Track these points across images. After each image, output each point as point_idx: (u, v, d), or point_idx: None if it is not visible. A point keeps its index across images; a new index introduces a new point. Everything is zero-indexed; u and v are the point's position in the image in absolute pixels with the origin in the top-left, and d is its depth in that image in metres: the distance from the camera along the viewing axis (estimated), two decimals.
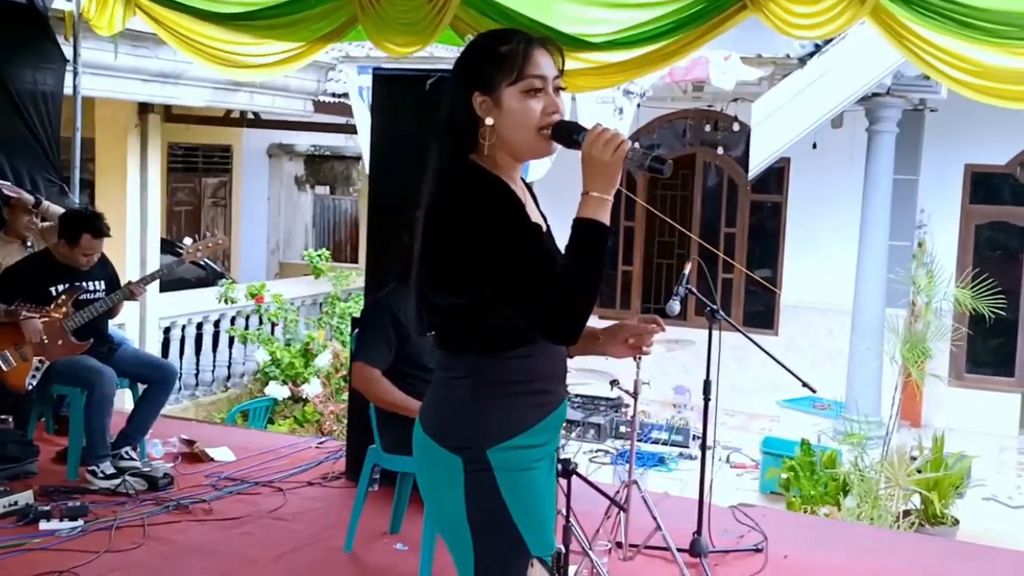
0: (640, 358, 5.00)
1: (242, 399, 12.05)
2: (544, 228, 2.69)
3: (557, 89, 2.64)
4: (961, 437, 10.57)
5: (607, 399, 11.75)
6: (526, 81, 2.58)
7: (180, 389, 11.73)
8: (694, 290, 5.23)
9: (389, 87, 6.24)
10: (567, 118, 2.66)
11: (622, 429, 11.38)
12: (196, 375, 12.24)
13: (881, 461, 8.91)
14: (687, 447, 11.20)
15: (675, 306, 5.10)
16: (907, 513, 8.58)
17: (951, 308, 10.41)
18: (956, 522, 8.70)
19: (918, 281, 10.98)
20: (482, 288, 2.54)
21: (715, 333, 5.14)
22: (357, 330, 5.22)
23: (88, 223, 6.29)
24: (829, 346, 12.60)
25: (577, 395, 11.60)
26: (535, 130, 2.60)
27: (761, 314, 13.68)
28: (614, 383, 5.21)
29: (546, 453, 2.74)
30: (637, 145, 2.55)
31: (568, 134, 2.58)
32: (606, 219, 2.51)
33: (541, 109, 2.60)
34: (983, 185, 12.83)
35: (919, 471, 8.72)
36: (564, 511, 4.20)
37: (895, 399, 9.42)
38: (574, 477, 4.19)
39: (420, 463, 2.74)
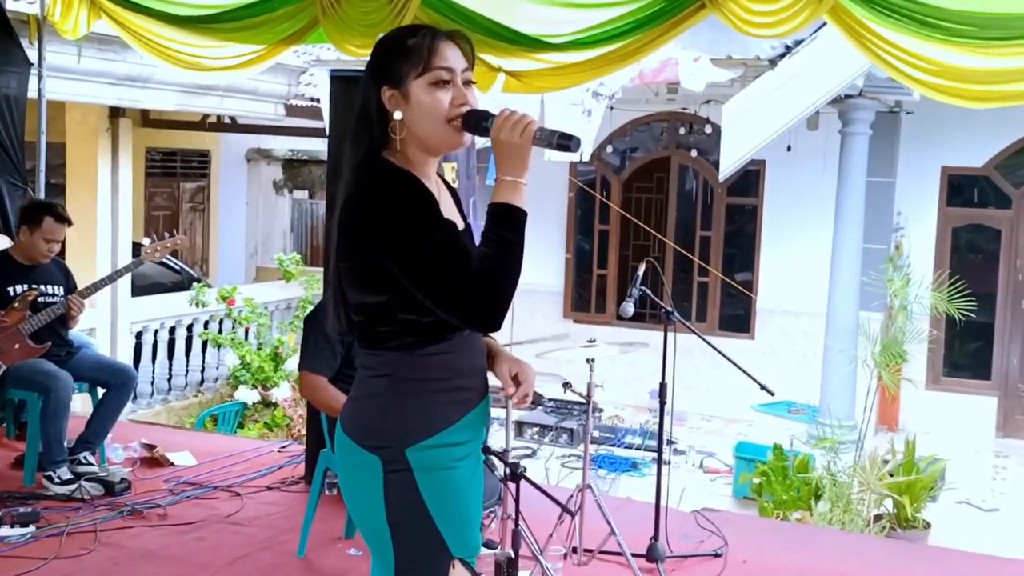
0: (593, 360, 5.01)
1: (213, 403, 11.95)
2: (461, 227, 2.65)
3: (467, 82, 2.63)
4: (938, 440, 10.53)
5: (580, 404, 11.68)
6: (432, 73, 2.57)
7: (152, 394, 11.65)
8: (648, 291, 5.17)
9: (347, 88, 6.19)
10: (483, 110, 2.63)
11: (596, 434, 11.30)
12: (168, 380, 12.09)
13: (854, 465, 8.86)
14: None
15: (628, 308, 5.07)
16: (879, 517, 8.52)
17: (927, 311, 10.37)
18: (928, 526, 8.65)
19: (892, 284, 10.95)
20: (401, 284, 2.50)
21: (671, 335, 5.10)
22: (301, 340, 5.18)
23: (49, 207, 6.37)
24: (805, 350, 12.53)
25: (550, 399, 11.54)
26: (444, 121, 2.58)
27: (738, 318, 13.59)
28: (567, 386, 5.16)
29: (470, 451, 2.69)
30: (545, 125, 2.53)
31: (478, 122, 2.57)
32: (521, 203, 2.51)
33: (449, 101, 2.58)
34: (960, 187, 12.80)
35: (891, 475, 8.67)
36: (513, 516, 4.16)
37: (868, 403, 9.37)
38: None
39: (340, 463, 2.72)
